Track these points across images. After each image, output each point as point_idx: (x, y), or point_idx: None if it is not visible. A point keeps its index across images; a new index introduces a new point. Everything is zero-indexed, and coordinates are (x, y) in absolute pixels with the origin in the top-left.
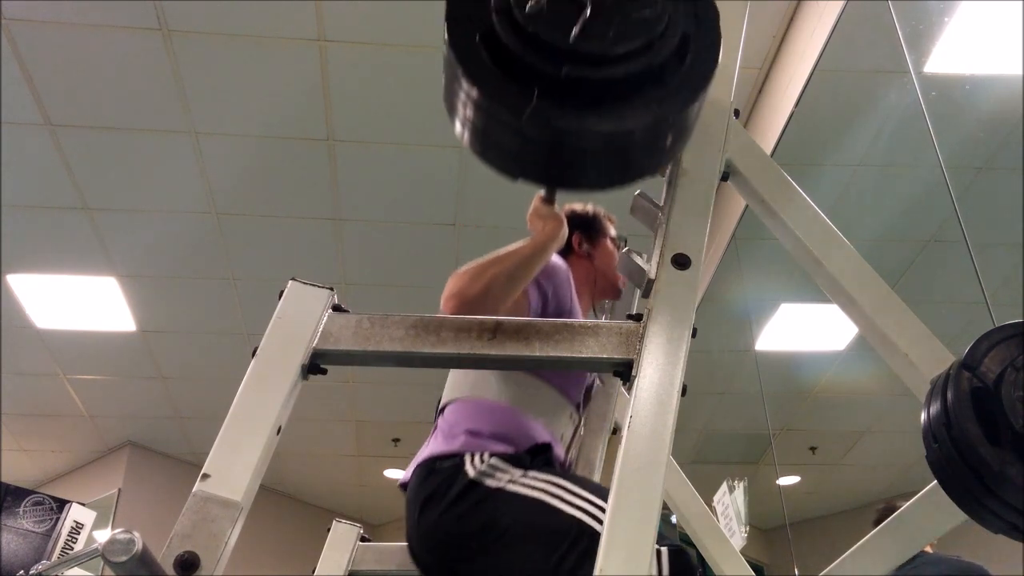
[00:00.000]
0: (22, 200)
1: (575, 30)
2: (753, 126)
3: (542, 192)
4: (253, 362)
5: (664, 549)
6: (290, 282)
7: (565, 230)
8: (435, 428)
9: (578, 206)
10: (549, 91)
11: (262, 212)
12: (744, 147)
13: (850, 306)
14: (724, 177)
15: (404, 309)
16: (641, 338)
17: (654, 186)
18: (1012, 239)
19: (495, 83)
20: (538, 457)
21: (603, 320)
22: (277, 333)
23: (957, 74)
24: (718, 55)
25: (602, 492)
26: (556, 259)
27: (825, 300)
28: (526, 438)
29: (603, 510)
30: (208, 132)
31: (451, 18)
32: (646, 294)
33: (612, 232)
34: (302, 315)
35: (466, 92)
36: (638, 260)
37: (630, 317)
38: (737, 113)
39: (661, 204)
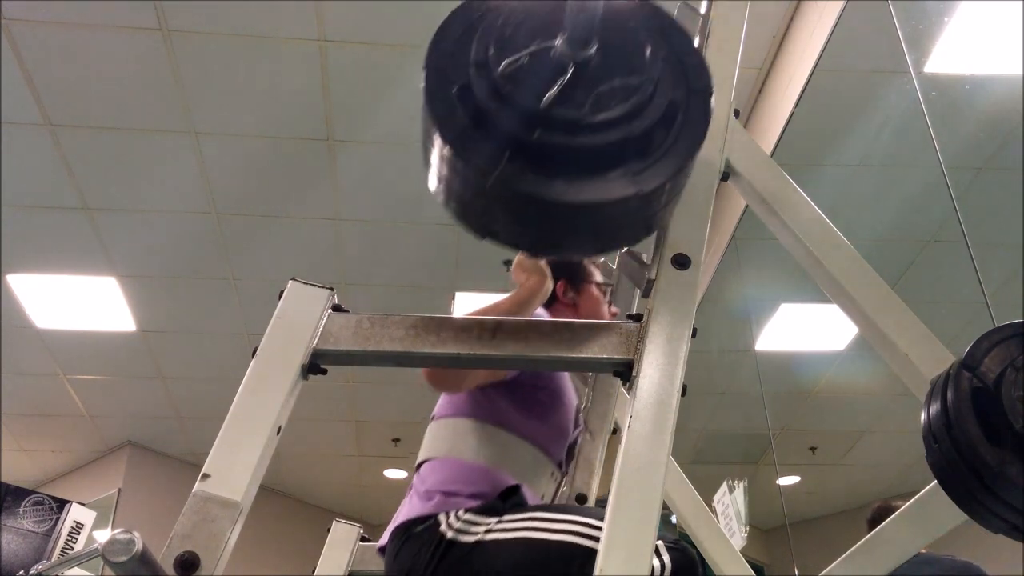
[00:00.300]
0: (22, 200)
1: (550, 94)
2: (753, 126)
3: None
4: (253, 362)
5: (660, 543)
6: (290, 282)
7: (549, 284)
8: (411, 487)
9: None
10: (521, 154)
11: (262, 212)
12: (744, 147)
13: (850, 306)
14: (724, 177)
15: (404, 309)
16: (641, 338)
17: None
18: (1012, 239)
19: (467, 141)
20: (509, 500)
21: (605, 320)
22: (277, 333)
23: (957, 74)
24: (706, 129)
25: (583, 512)
26: (540, 312)
27: (825, 300)
28: (500, 489)
29: (590, 526)
30: (208, 132)
31: (429, 68)
32: (646, 294)
33: (598, 278)
34: (302, 315)
35: (439, 148)
36: (638, 260)
37: (630, 317)
38: (737, 113)
39: None
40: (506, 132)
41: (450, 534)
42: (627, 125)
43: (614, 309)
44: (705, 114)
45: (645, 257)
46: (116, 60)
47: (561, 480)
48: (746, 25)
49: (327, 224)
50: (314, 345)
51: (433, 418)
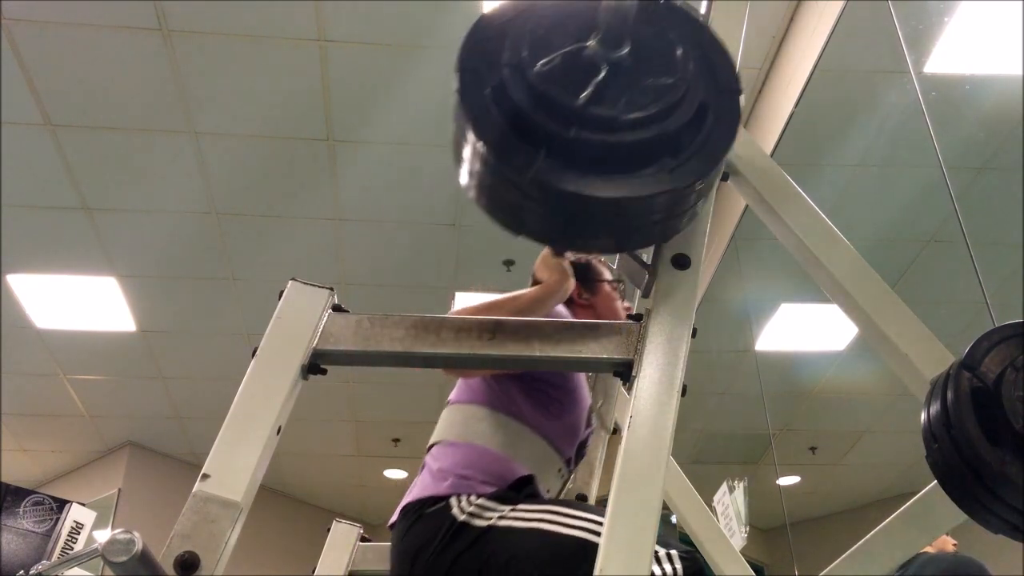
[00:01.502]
0: (22, 200)
1: (586, 92)
2: (753, 126)
3: None
4: (253, 362)
5: (675, 552)
6: (290, 282)
7: (570, 283)
8: (423, 467)
9: (570, 256)
10: (556, 152)
11: (262, 212)
12: (744, 147)
13: (850, 306)
14: (724, 177)
15: (404, 309)
16: (641, 338)
17: None
18: (1012, 239)
19: (502, 139)
20: (524, 490)
21: (605, 320)
22: (277, 333)
23: (957, 74)
24: (736, 129)
25: (595, 510)
26: (561, 311)
27: (825, 300)
28: (511, 477)
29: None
30: (208, 132)
31: (463, 70)
32: (646, 294)
33: (608, 275)
34: (302, 315)
35: (473, 145)
36: (638, 260)
37: (630, 317)
38: None
39: None
40: (543, 130)
41: (462, 517)
42: (661, 123)
43: (627, 304)
44: (734, 114)
45: (645, 257)
46: (116, 60)
47: (568, 478)
48: (746, 25)
49: (327, 224)
50: (314, 345)
51: (449, 403)
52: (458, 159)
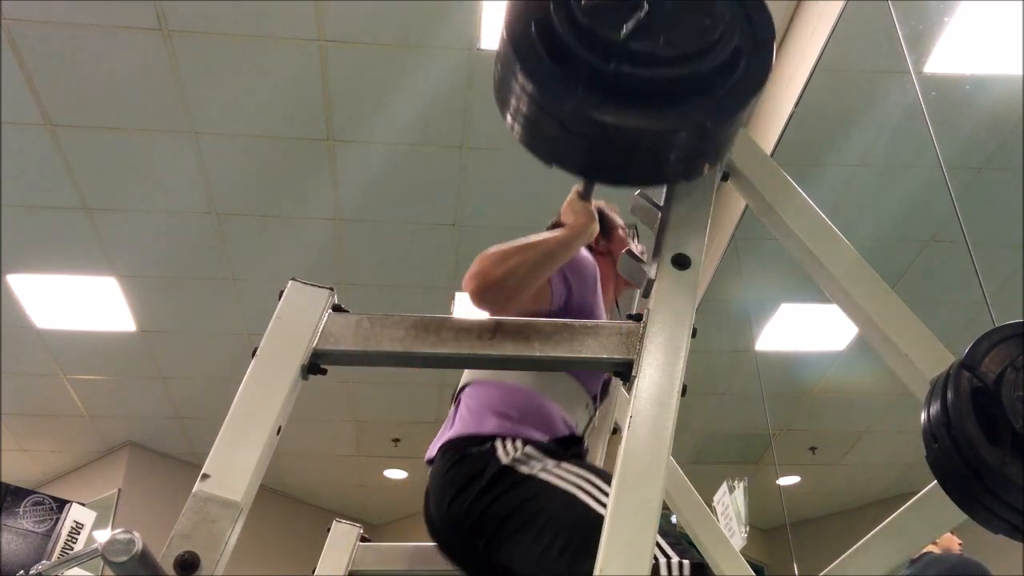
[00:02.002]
0: (22, 200)
1: (628, 27)
2: (753, 126)
3: (579, 186)
4: (253, 362)
5: (687, 563)
6: (290, 282)
7: (596, 226)
8: (457, 406)
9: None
10: (596, 85)
11: (262, 212)
12: (744, 147)
13: (850, 306)
14: (724, 177)
15: (404, 309)
16: (641, 338)
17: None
18: (1012, 239)
19: (544, 72)
20: (571, 449)
21: (605, 320)
22: (277, 333)
23: (957, 74)
24: (768, 73)
25: None
26: (585, 254)
27: (825, 300)
28: (553, 425)
29: None
30: (208, 132)
31: (511, 5)
32: (646, 294)
33: (620, 221)
34: (302, 315)
35: (516, 79)
36: (638, 260)
37: (630, 317)
38: None
39: (661, 204)
40: (585, 63)
41: (506, 460)
42: (697, 62)
43: (640, 247)
44: (767, 61)
45: (645, 257)
46: (116, 60)
47: (595, 413)
48: None
49: (327, 224)
50: (314, 345)
51: None
52: (500, 96)
